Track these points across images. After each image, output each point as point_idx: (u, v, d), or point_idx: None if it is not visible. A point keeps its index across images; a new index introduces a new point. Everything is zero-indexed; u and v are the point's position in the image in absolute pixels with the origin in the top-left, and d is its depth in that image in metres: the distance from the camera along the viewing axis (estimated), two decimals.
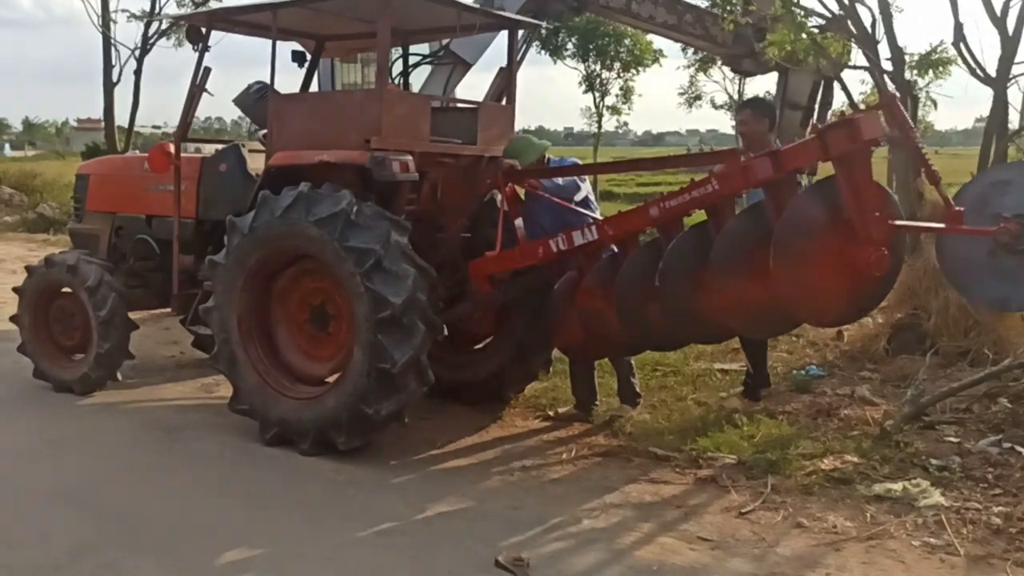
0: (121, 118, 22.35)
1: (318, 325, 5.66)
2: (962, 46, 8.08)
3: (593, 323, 5.35)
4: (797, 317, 4.71)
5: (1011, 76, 7.98)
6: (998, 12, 8.02)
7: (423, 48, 8.54)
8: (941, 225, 4.38)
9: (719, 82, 30.01)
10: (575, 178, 5.93)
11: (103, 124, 23.20)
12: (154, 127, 54.49)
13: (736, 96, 28.93)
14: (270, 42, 5.82)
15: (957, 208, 4.28)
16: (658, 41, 27.02)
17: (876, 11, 7.92)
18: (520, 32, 6.68)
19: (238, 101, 7.14)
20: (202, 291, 6.18)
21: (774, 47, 9.01)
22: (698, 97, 29.87)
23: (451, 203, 6.19)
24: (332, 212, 5.19)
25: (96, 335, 6.52)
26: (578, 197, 5.90)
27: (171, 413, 6.39)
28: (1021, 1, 7.82)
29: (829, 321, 5.38)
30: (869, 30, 8.03)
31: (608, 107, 29.39)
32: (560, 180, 5.86)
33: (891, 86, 8.16)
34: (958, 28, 8.00)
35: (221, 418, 6.05)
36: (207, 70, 6.31)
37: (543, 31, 18.82)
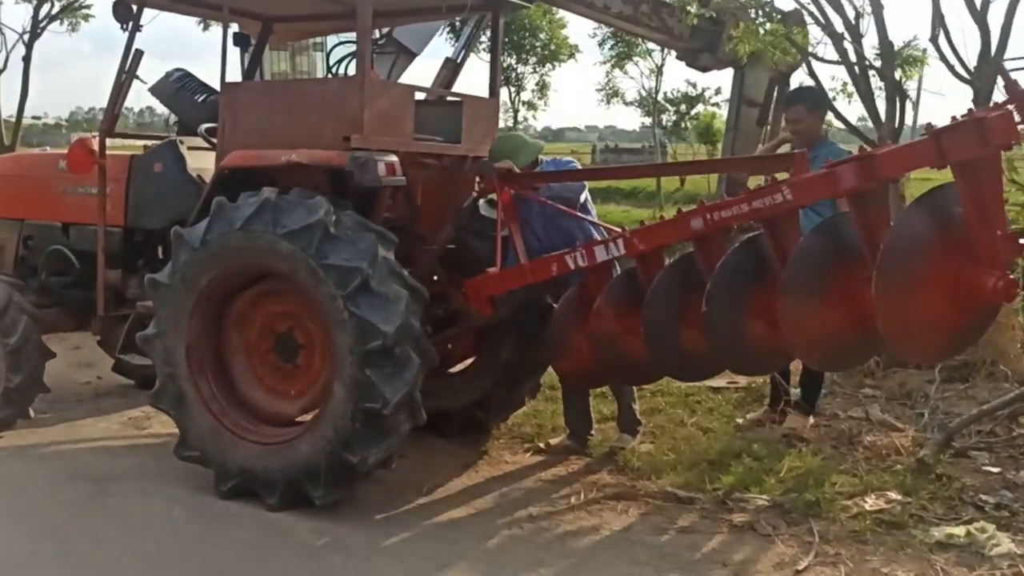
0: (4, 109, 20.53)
1: (285, 356, 4.79)
2: (941, 41, 7.73)
3: (607, 349, 4.66)
4: (894, 351, 4.12)
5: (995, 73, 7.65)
6: (978, 6, 7.71)
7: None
8: None
9: (635, 79, 29.71)
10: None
11: None
12: (34, 118, 51.41)
13: (654, 93, 28.61)
14: (186, 24, 4.96)
15: None
16: (573, 36, 26.61)
17: (864, 3, 7.43)
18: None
19: (155, 90, 6.29)
20: (135, 313, 5.29)
21: (743, 42, 8.51)
22: (615, 93, 29.45)
23: (431, 210, 5.40)
24: (307, 223, 4.35)
25: (4, 367, 5.49)
26: (580, 200, 5.22)
27: (99, 458, 5.40)
28: None
29: (930, 356, 4.82)
30: (853, 22, 7.55)
31: (524, 102, 28.86)
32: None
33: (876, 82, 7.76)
34: (937, 20, 7.62)
35: (161, 463, 5.14)
36: (139, 53, 5.38)
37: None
